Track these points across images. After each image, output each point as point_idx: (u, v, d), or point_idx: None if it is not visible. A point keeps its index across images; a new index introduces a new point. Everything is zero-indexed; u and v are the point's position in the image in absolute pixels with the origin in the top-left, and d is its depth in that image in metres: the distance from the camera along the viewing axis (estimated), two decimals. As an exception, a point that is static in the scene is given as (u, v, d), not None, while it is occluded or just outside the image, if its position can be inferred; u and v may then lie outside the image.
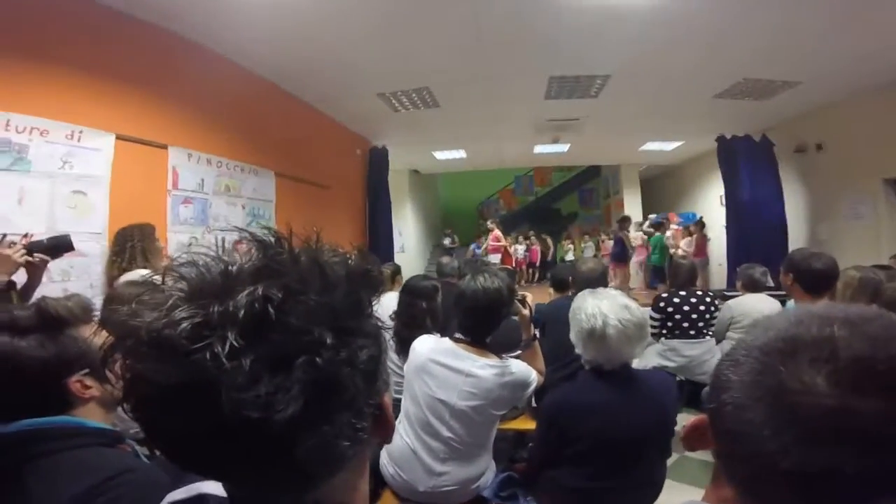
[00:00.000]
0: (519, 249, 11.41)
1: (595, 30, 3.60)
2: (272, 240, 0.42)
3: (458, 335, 1.68)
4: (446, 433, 1.57)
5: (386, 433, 0.49)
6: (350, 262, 0.45)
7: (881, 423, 0.37)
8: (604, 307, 1.47)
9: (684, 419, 3.15)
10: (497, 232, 9.58)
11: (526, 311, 1.86)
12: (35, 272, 1.67)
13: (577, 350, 1.55)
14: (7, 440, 0.78)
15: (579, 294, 1.63)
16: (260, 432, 0.35)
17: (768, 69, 4.46)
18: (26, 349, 0.83)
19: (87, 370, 0.89)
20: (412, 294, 2.26)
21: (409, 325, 2.18)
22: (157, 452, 1.28)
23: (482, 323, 1.65)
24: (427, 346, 1.68)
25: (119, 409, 1.02)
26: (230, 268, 0.40)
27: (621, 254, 8.09)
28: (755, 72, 4.54)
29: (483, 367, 1.59)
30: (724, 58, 4.17)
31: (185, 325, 0.36)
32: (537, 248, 11.71)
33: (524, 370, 1.66)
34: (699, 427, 0.51)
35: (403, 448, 1.62)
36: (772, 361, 0.43)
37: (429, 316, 2.24)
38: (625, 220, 8.48)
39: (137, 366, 0.37)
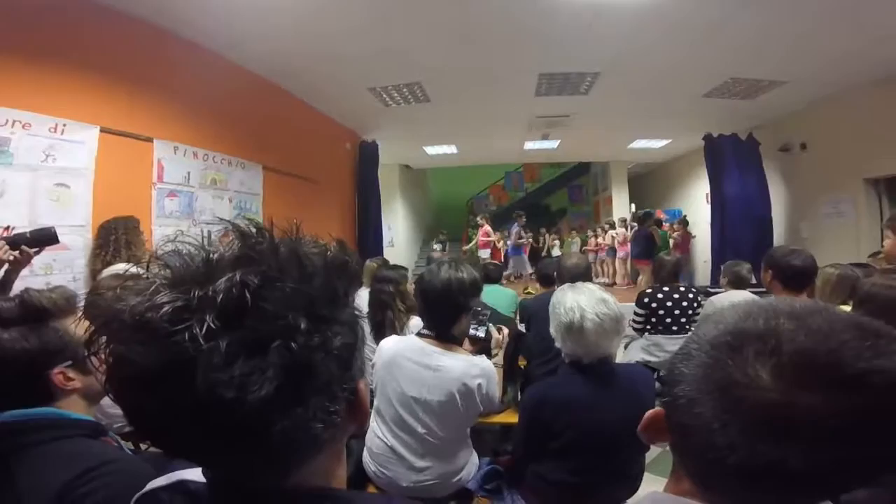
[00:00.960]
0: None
1: (585, 27, 3.62)
2: (253, 230, 0.44)
3: (424, 331, 1.67)
4: (420, 429, 1.57)
5: (360, 419, 0.50)
6: (329, 253, 0.47)
7: (822, 417, 0.37)
8: (582, 301, 1.48)
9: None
10: (487, 227, 9.59)
11: (499, 336, 1.86)
12: (16, 265, 1.64)
13: (557, 343, 1.56)
14: None
15: (559, 289, 1.64)
16: (234, 412, 0.37)
17: (755, 69, 4.52)
18: (9, 341, 0.83)
19: (69, 362, 0.89)
20: (378, 281, 2.45)
21: (380, 307, 2.33)
22: (143, 447, 1.27)
23: (442, 314, 1.62)
24: (393, 344, 1.67)
25: (103, 403, 1.02)
26: (212, 256, 0.42)
27: (650, 250, 7.66)
28: (742, 71, 4.60)
29: (449, 361, 1.57)
30: (712, 57, 4.22)
31: (166, 308, 0.38)
32: (526, 243, 11.70)
33: (490, 365, 1.64)
34: (656, 420, 0.52)
35: (381, 446, 1.63)
36: (720, 355, 0.43)
37: (397, 298, 2.37)
38: (648, 216, 8.30)
39: (120, 348, 0.39)
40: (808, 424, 0.38)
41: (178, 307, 0.38)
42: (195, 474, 0.51)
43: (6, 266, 1.60)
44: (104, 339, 0.40)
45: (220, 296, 0.38)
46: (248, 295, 0.39)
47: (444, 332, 1.63)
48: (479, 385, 1.58)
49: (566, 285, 1.63)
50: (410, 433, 1.58)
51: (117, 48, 2.96)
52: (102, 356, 0.40)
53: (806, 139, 5.94)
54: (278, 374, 0.38)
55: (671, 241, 8.11)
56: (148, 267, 0.43)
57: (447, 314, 1.62)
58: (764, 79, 4.78)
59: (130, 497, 0.55)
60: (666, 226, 8.62)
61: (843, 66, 4.42)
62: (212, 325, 0.37)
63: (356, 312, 0.49)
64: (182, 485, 0.51)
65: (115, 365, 0.39)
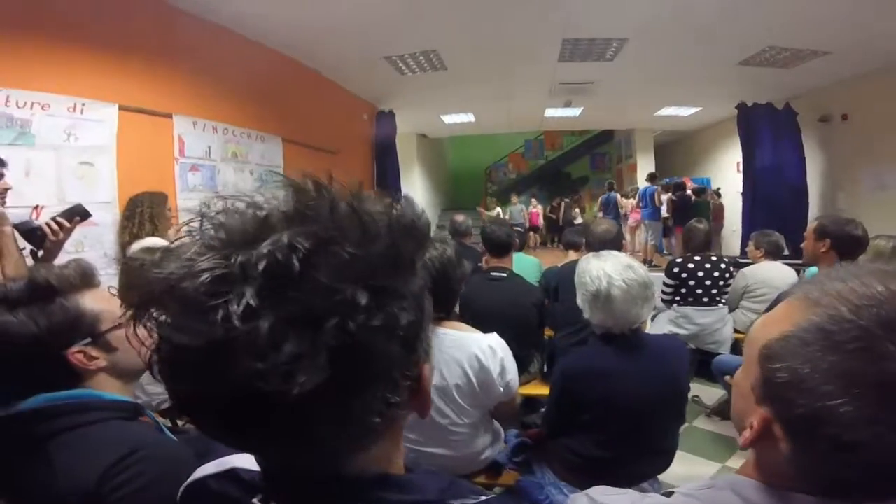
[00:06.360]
0: (515, 210, 11.29)
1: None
2: (309, 184, 0.38)
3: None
4: (440, 420, 1.48)
5: (423, 407, 0.44)
6: (395, 211, 0.40)
7: None
8: (607, 268, 1.43)
9: (695, 389, 3.18)
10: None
11: None
12: (55, 245, 1.67)
13: (585, 315, 1.51)
14: (24, 417, 0.76)
15: (583, 258, 1.59)
16: (276, 406, 0.32)
17: (797, 38, 4.26)
18: (16, 325, 0.76)
19: (88, 340, 0.83)
20: None
21: None
22: (181, 424, 1.27)
23: (444, 294, 1.48)
24: None
25: (141, 380, 1.00)
26: (258, 213, 0.36)
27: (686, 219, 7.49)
28: (783, 40, 4.34)
29: (460, 339, 1.49)
30: (752, 24, 3.96)
31: (204, 277, 0.32)
32: (538, 211, 11.55)
33: (504, 344, 1.55)
34: (765, 427, 0.47)
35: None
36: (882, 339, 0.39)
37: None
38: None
39: (159, 324, 0.34)
40: None
41: (217, 276, 0.32)
42: (247, 460, 0.48)
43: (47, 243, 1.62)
44: (143, 313, 0.35)
45: (263, 263, 0.32)
46: (296, 262, 0.32)
47: (448, 310, 1.54)
48: (502, 368, 1.50)
49: (590, 254, 1.58)
50: (431, 427, 1.48)
51: (133, 27, 2.94)
52: (146, 332, 0.35)
53: (847, 110, 5.68)
54: (331, 361, 0.32)
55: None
56: (201, 225, 0.36)
57: (445, 295, 1.49)
58: (805, 48, 4.50)
59: (168, 482, 0.53)
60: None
61: (891, 41, 4.14)
62: (251, 301, 0.31)
63: (423, 283, 0.41)
64: (233, 472, 0.48)
65: (156, 343, 0.35)
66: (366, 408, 0.36)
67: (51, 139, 2.46)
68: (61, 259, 1.72)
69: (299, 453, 0.37)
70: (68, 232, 1.70)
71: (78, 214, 1.73)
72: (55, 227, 1.65)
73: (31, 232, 1.64)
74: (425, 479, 0.46)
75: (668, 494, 0.57)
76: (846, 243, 2.02)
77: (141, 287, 0.35)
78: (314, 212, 0.36)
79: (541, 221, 11.65)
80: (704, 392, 3.18)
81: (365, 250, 0.35)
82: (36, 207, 2.18)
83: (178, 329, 0.33)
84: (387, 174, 6.75)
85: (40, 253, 1.67)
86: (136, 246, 2.44)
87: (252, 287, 0.32)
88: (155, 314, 0.35)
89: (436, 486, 0.45)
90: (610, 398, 1.45)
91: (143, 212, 2.65)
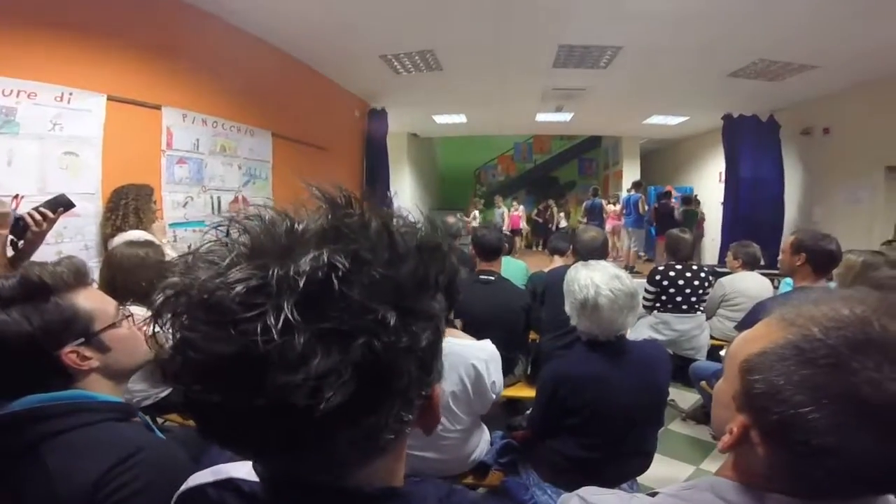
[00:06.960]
0: (496, 213, 11.34)
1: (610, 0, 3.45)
2: (342, 199, 0.37)
3: None
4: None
5: (431, 425, 0.45)
6: (420, 233, 0.40)
7: None
8: (596, 278, 1.48)
9: (671, 393, 3.24)
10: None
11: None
12: (37, 236, 1.63)
13: (573, 322, 1.56)
14: (16, 419, 0.73)
15: (572, 266, 1.64)
16: (302, 419, 0.32)
17: (786, 51, 4.37)
18: (10, 324, 0.75)
19: (82, 340, 0.81)
20: None
21: None
22: (161, 422, 1.26)
23: None
24: None
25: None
26: (296, 226, 0.36)
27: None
28: (773, 53, 4.44)
29: (455, 345, 1.50)
30: (742, 37, 4.05)
31: (239, 287, 0.32)
32: (519, 214, 11.60)
33: (496, 350, 1.59)
34: (744, 433, 0.51)
35: None
36: (860, 360, 0.44)
37: None
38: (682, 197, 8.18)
39: (185, 330, 0.34)
40: None
41: (253, 287, 0.32)
42: (244, 470, 0.48)
43: (28, 234, 1.58)
44: (168, 316, 0.35)
45: (303, 279, 0.32)
46: (334, 280, 0.33)
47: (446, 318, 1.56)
48: (491, 374, 1.52)
49: (579, 263, 1.62)
50: (420, 436, 1.51)
51: (124, 16, 2.88)
52: (171, 331, 0.35)
53: (829, 124, 5.83)
54: (358, 379, 0.33)
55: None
56: (228, 232, 0.36)
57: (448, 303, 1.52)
58: (794, 62, 4.61)
59: (165, 487, 0.52)
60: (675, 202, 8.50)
61: (878, 57, 4.27)
62: (290, 315, 0.31)
63: (442, 304, 0.42)
64: (232, 483, 0.48)
65: (179, 347, 0.34)
66: (381, 425, 0.37)
67: (36, 128, 2.40)
68: (42, 250, 1.69)
69: (307, 464, 0.38)
70: (51, 223, 1.65)
71: (62, 205, 1.69)
72: (38, 217, 1.61)
73: (13, 222, 1.60)
74: (425, 489, 0.47)
75: (653, 495, 0.61)
76: (821, 258, 2.11)
77: (169, 291, 0.35)
78: (349, 229, 0.36)
79: (522, 225, 11.67)
80: (680, 396, 3.25)
81: (395, 270, 0.36)
82: (16, 196, 2.13)
83: (208, 337, 0.33)
84: (377, 172, 6.71)
85: (20, 243, 1.63)
86: (119, 239, 2.41)
87: (290, 301, 0.32)
88: (182, 320, 0.35)
89: (435, 496, 0.47)
90: (596, 402, 1.49)
91: (128, 204, 2.61)
